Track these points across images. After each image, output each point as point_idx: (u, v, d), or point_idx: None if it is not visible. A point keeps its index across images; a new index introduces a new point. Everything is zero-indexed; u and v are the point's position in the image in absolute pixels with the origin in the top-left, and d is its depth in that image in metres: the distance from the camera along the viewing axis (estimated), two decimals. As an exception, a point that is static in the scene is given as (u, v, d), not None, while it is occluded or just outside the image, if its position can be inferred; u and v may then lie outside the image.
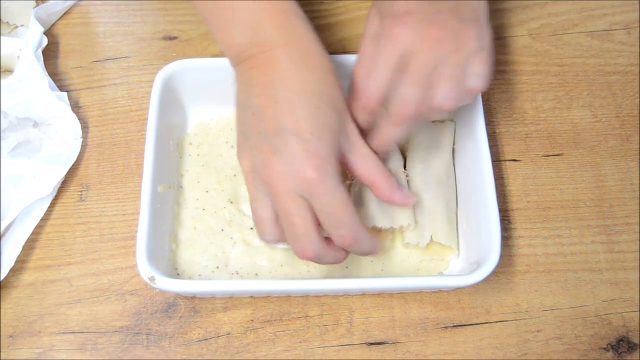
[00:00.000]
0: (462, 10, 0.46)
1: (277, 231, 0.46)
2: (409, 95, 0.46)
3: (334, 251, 0.46)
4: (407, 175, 0.56)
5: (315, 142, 0.44)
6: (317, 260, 0.46)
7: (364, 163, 0.48)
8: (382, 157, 0.51)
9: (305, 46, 0.47)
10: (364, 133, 0.50)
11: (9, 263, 0.54)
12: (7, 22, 0.65)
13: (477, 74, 0.47)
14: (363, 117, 0.49)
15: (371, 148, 0.49)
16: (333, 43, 0.67)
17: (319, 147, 0.44)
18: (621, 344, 0.53)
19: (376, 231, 0.54)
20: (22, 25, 0.65)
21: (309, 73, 0.46)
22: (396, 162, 0.56)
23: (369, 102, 0.48)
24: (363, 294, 0.54)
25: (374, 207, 0.53)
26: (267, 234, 0.47)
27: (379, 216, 0.53)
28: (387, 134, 0.49)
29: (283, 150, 0.44)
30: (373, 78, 0.47)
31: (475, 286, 0.54)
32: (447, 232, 0.54)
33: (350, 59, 0.58)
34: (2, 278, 0.53)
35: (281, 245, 0.54)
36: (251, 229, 0.56)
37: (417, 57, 0.46)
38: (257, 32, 0.46)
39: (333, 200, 0.44)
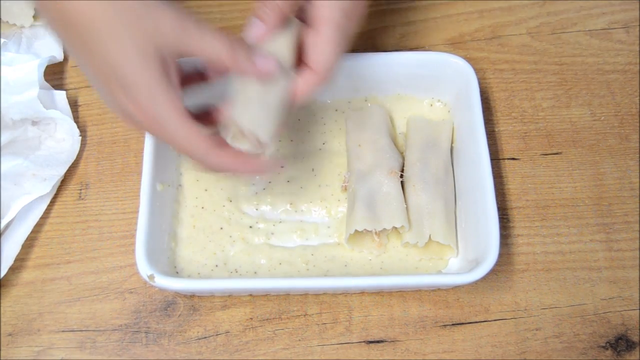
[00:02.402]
0: None
1: None
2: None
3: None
4: (401, 177, 0.56)
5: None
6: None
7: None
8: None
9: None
10: None
11: (8, 261, 0.54)
12: (7, 22, 0.65)
13: None
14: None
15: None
16: (332, 42, 0.67)
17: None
18: (620, 343, 0.53)
19: (371, 233, 0.54)
20: (22, 26, 0.65)
21: None
22: (394, 161, 0.56)
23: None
24: (362, 293, 0.54)
25: (364, 210, 0.53)
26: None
27: (369, 219, 0.53)
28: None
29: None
30: None
31: (474, 284, 0.54)
32: (445, 232, 0.54)
33: (349, 57, 0.58)
34: (1, 276, 0.53)
35: None
36: (250, 227, 0.56)
37: None
38: None
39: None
